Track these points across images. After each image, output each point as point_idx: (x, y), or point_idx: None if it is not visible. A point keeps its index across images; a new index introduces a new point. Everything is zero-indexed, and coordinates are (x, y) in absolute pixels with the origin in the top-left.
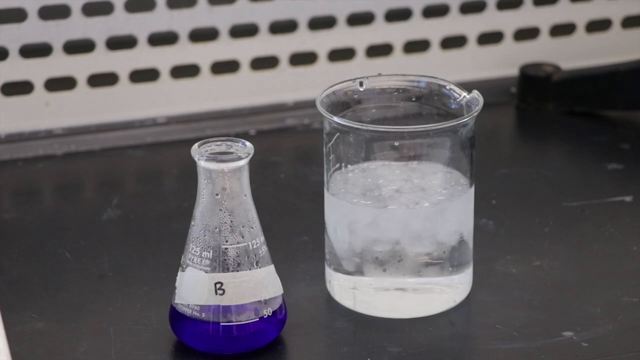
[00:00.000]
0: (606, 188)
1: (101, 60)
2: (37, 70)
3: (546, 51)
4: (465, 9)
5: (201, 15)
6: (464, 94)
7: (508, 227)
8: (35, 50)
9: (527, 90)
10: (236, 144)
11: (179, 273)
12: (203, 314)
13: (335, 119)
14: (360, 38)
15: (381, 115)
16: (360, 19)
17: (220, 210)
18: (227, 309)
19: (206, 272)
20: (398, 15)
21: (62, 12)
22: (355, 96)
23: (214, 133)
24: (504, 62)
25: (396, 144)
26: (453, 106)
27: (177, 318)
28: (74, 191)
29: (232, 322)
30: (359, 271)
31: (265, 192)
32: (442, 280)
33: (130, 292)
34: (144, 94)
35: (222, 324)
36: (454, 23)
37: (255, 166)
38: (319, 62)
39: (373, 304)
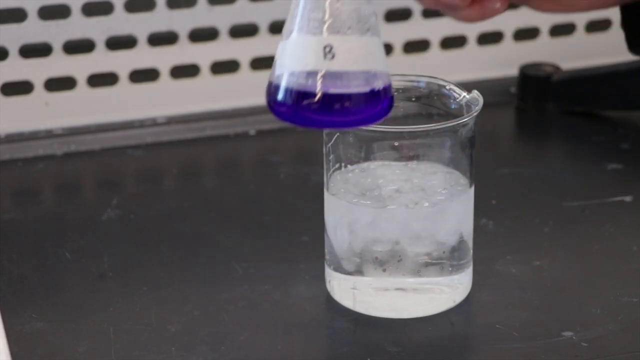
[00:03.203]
0: (606, 188)
1: (101, 60)
2: (37, 70)
3: (546, 51)
4: None
5: (201, 15)
6: (464, 94)
7: (508, 227)
8: (35, 50)
9: (527, 90)
10: None
11: (280, 45)
12: (309, 80)
13: None
14: None
15: None
16: None
17: None
18: (336, 75)
19: (314, 35)
20: (398, 15)
21: (62, 12)
22: None
23: (214, 133)
24: (504, 62)
25: (396, 144)
26: (453, 106)
27: (277, 93)
28: (74, 191)
29: (341, 90)
30: (358, 271)
31: (265, 192)
32: (442, 280)
33: (130, 292)
34: (143, 94)
35: (330, 91)
36: (454, 23)
37: (255, 166)
38: None
39: (373, 304)
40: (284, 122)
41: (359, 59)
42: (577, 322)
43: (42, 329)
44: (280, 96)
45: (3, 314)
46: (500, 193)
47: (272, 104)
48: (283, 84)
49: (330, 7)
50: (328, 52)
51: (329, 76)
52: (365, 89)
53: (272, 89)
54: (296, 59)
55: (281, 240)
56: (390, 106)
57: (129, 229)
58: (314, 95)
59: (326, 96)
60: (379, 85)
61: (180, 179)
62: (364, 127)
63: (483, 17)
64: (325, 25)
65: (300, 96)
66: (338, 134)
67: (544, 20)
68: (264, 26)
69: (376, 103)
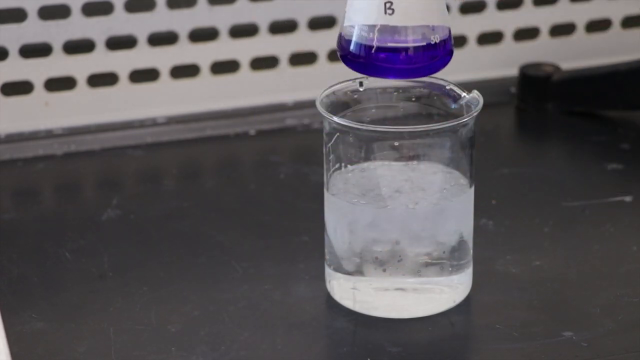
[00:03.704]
0: (606, 188)
1: (101, 60)
2: (37, 70)
3: (546, 51)
4: (465, 9)
5: (201, 15)
6: (464, 94)
7: (508, 227)
8: (35, 50)
9: (527, 90)
10: None
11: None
12: (371, 34)
13: (335, 119)
14: None
15: (381, 115)
16: None
17: None
18: (395, 30)
19: None
20: None
21: (62, 12)
22: (355, 96)
23: (214, 133)
24: (504, 62)
25: (396, 144)
26: (453, 106)
27: (343, 44)
28: (74, 191)
29: (399, 43)
30: (358, 271)
31: (265, 192)
32: (442, 280)
33: (130, 292)
34: (143, 94)
35: (388, 44)
36: (454, 23)
37: (255, 166)
38: (319, 62)
39: (373, 304)
40: (352, 70)
41: (417, 14)
42: (577, 322)
43: (42, 329)
44: (345, 47)
45: (3, 314)
46: (500, 193)
47: (340, 54)
48: (348, 36)
49: None
50: (388, 7)
51: (388, 30)
52: (423, 42)
53: (340, 40)
54: (361, 13)
55: (281, 240)
56: (448, 57)
57: (129, 229)
58: (373, 47)
59: (384, 48)
60: (436, 38)
61: (180, 179)
62: (364, 127)
63: None
64: None
65: (363, 48)
66: (338, 134)
67: (544, 20)
68: (264, 26)
69: (434, 55)
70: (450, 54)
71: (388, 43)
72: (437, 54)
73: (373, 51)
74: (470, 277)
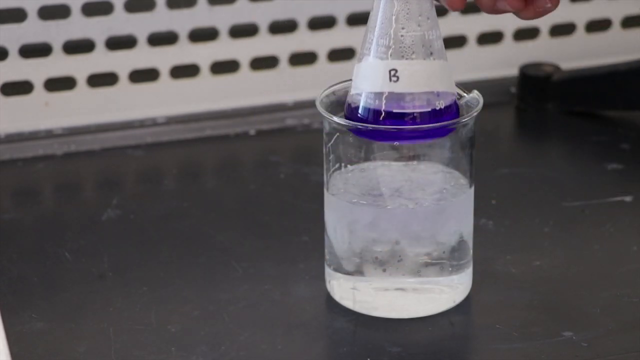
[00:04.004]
0: (606, 188)
1: (101, 60)
2: (37, 70)
3: (546, 51)
4: (465, 9)
5: (201, 15)
6: (464, 94)
7: (508, 227)
8: (35, 50)
9: (527, 90)
10: None
11: (355, 66)
12: (377, 101)
13: (335, 119)
14: (360, 38)
15: None
16: (360, 19)
17: None
18: (400, 96)
19: (381, 59)
20: None
21: (62, 12)
22: None
23: (214, 133)
24: (504, 62)
25: (396, 144)
26: None
27: (351, 112)
28: (74, 191)
29: (404, 109)
30: (358, 271)
31: (265, 192)
32: (442, 280)
33: (130, 292)
34: (143, 94)
35: (394, 111)
36: (454, 23)
37: (255, 166)
38: (319, 62)
39: (373, 304)
40: (359, 137)
41: (422, 81)
42: (577, 322)
43: (42, 329)
44: (352, 114)
45: (3, 314)
46: (500, 193)
47: (347, 121)
48: (355, 103)
49: (394, 35)
50: (393, 75)
51: (393, 97)
52: (427, 108)
53: (347, 107)
54: (367, 81)
55: (281, 240)
56: (453, 123)
57: (129, 229)
58: (380, 114)
59: (390, 115)
60: (441, 104)
61: (180, 179)
62: (364, 127)
63: (536, 16)
64: (391, 51)
65: (370, 115)
66: (338, 133)
67: (544, 20)
68: (264, 26)
69: (439, 121)
70: (457, 118)
71: (394, 109)
72: (442, 119)
73: (380, 117)
74: (470, 277)
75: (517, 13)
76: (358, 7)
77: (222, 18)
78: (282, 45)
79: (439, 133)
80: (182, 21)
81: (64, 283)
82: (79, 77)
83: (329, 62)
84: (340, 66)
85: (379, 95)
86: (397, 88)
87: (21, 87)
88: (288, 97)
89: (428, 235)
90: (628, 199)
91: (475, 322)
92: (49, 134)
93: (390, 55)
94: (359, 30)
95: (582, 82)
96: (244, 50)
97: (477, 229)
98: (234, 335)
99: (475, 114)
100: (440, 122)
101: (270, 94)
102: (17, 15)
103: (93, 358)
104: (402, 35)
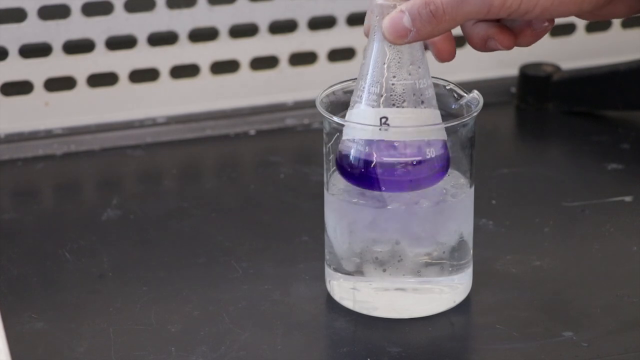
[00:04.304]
0: (606, 188)
1: (101, 60)
2: (37, 70)
3: (546, 51)
4: None
5: (201, 15)
6: (464, 94)
7: (508, 227)
8: (35, 50)
9: (527, 90)
10: None
11: (347, 112)
12: (367, 148)
13: (335, 119)
14: (360, 38)
15: None
16: (360, 19)
17: (389, 47)
18: (390, 144)
19: (372, 107)
20: None
21: (61, 12)
22: None
23: (214, 133)
24: (504, 62)
25: (396, 144)
26: (453, 106)
27: (342, 159)
28: (74, 191)
29: (395, 158)
30: (358, 271)
31: (265, 192)
32: (442, 280)
33: (130, 292)
34: (143, 94)
35: (384, 160)
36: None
37: (255, 166)
38: (319, 62)
39: (373, 304)
40: (350, 183)
41: (412, 129)
42: (577, 322)
43: (42, 329)
44: (343, 160)
45: (3, 314)
46: (500, 193)
47: (338, 168)
48: (346, 150)
49: (386, 83)
50: (384, 122)
51: (384, 145)
52: (418, 156)
53: (339, 155)
54: (358, 128)
55: (281, 240)
56: (444, 171)
57: (129, 229)
58: (371, 162)
59: (380, 163)
60: (431, 152)
61: (180, 179)
62: (364, 127)
63: (537, 39)
64: (382, 99)
65: (360, 162)
66: (338, 133)
67: None
68: (264, 26)
69: (429, 168)
70: (446, 168)
71: (384, 158)
72: (433, 167)
73: (370, 166)
74: (470, 277)
75: (516, 44)
76: (358, 7)
77: (222, 18)
78: (282, 45)
79: (429, 181)
80: (182, 21)
81: (64, 283)
82: (79, 77)
83: (329, 62)
84: (340, 66)
85: (369, 143)
86: (389, 136)
87: (21, 87)
88: (288, 97)
89: (428, 235)
90: (628, 199)
91: (475, 322)
92: (48, 134)
93: (382, 103)
94: (359, 30)
95: (582, 82)
96: (244, 50)
97: (477, 229)
98: (234, 335)
99: (475, 114)
100: (431, 168)
101: (270, 94)
102: (17, 15)
103: (93, 358)
104: (393, 84)
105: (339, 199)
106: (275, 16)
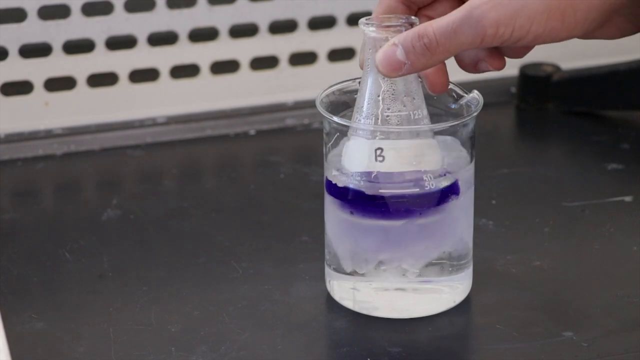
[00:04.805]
0: (606, 188)
1: (101, 60)
2: (37, 70)
3: (546, 51)
4: None
5: (201, 15)
6: (464, 94)
7: (508, 227)
8: (35, 50)
9: (527, 90)
10: (401, 19)
11: (344, 144)
12: (363, 180)
13: (335, 119)
14: (360, 38)
15: None
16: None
17: (384, 79)
18: (386, 176)
19: (368, 139)
20: None
21: (61, 12)
22: (355, 96)
23: (214, 133)
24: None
25: (385, 114)
26: (453, 106)
27: (339, 190)
28: (74, 191)
29: (391, 189)
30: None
31: (265, 192)
32: (442, 280)
33: (130, 292)
34: (143, 93)
35: (380, 191)
36: None
37: (255, 166)
38: (319, 62)
39: (373, 304)
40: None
41: (407, 160)
42: (577, 322)
43: (42, 329)
44: (341, 193)
45: (3, 314)
46: (500, 193)
47: (336, 199)
48: (342, 183)
49: (381, 115)
50: (379, 154)
51: (380, 176)
52: (414, 188)
53: (334, 186)
54: (353, 160)
55: (281, 240)
56: (442, 199)
57: (129, 229)
58: (366, 193)
59: (377, 195)
60: (428, 183)
61: (180, 179)
62: (364, 127)
63: (527, 51)
64: (378, 131)
65: (356, 194)
66: (338, 134)
67: None
68: (264, 26)
69: (427, 198)
70: (446, 196)
71: (380, 190)
72: (431, 197)
73: (366, 197)
74: (470, 277)
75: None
76: (358, 7)
77: (222, 18)
78: (282, 45)
79: (432, 208)
80: (182, 21)
81: (64, 283)
82: (79, 77)
83: (329, 62)
84: (340, 66)
85: (365, 174)
86: (384, 167)
87: (21, 87)
88: (288, 97)
89: (429, 244)
90: (628, 199)
91: (475, 322)
92: (48, 134)
93: (376, 135)
94: (359, 30)
95: (582, 82)
96: (244, 50)
97: (477, 229)
98: (234, 335)
99: (475, 114)
100: (428, 198)
101: (270, 94)
102: (17, 15)
103: (93, 358)
104: (387, 116)
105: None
106: (275, 16)
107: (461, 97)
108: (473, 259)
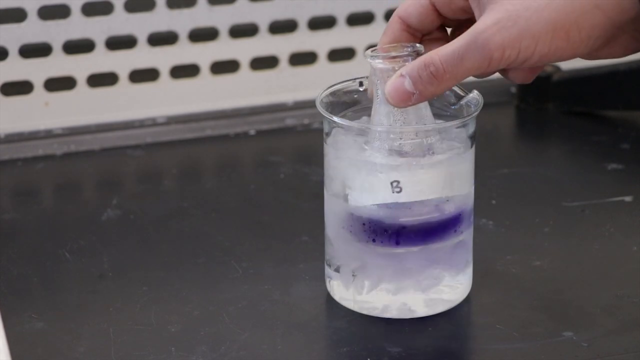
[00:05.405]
0: (606, 188)
1: (101, 60)
2: (37, 70)
3: None
4: None
5: (201, 15)
6: (464, 94)
7: (508, 227)
8: (35, 50)
9: (527, 90)
10: (407, 48)
11: (357, 177)
12: (381, 213)
13: (335, 119)
14: (360, 38)
15: None
16: (360, 19)
17: (394, 108)
18: (405, 206)
19: (381, 173)
20: None
21: (61, 12)
22: (355, 96)
23: (214, 133)
24: None
25: (396, 144)
26: (453, 106)
27: (356, 226)
28: (74, 191)
29: (411, 219)
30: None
31: (265, 192)
32: (442, 280)
33: (130, 292)
34: (143, 94)
35: (400, 221)
36: None
37: (255, 166)
38: (319, 62)
39: (373, 304)
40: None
41: (425, 189)
42: (577, 322)
43: (42, 329)
44: (359, 228)
45: (3, 314)
46: (500, 193)
47: (354, 235)
48: (358, 214)
49: (393, 144)
50: (395, 186)
51: (399, 208)
52: (435, 214)
53: (351, 220)
54: (369, 193)
55: (281, 240)
56: (462, 223)
57: (129, 229)
58: (387, 226)
59: (397, 226)
60: (449, 208)
61: (180, 179)
62: (364, 127)
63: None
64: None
65: (377, 228)
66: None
67: None
68: (264, 26)
69: (448, 224)
70: (465, 219)
71: (400, 219)
72: (452, 224)
73: (384, 229)
74: (470, 277)
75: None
76: (358, 7)
77: (222, 18)
78: (282, 45)
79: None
80: (182, 21)
81: (64, 283)
82: (79, 77)
83: (329, 62)
84: (340, 66)
85: (383, 207)
86: (402, 198)
87: (21, 87)
88: (288, 97)
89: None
90: (628, 199)
91: (475, 322)
92: (48, 134)
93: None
94: (359, 30)
95: (582, 82)
96: (244, 50)
97: (477, 229)
98: (234, 335)
99: (475, 114)
100: (450, 223)
101: (270, 94)
102: (17, 15)
103: (93, 358)
104: (400, 144)
105: (338, 199)
106: (275, 16)
107: (461, 97)
108: (473, 259)
